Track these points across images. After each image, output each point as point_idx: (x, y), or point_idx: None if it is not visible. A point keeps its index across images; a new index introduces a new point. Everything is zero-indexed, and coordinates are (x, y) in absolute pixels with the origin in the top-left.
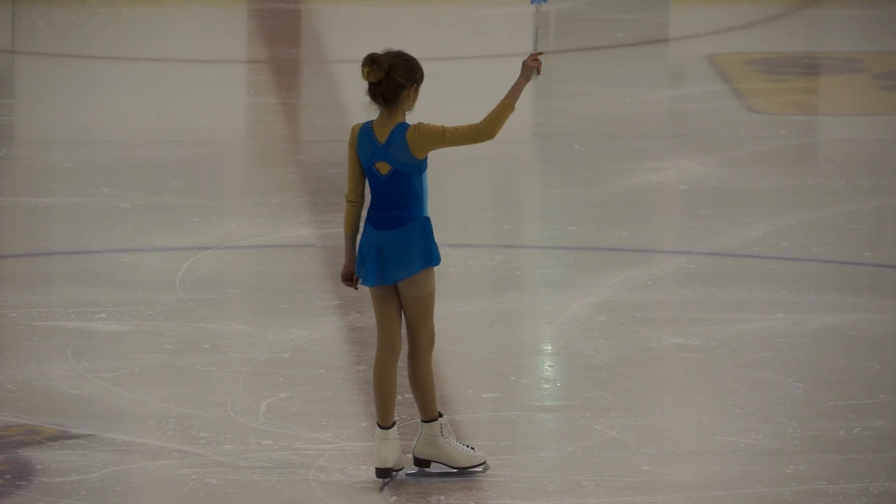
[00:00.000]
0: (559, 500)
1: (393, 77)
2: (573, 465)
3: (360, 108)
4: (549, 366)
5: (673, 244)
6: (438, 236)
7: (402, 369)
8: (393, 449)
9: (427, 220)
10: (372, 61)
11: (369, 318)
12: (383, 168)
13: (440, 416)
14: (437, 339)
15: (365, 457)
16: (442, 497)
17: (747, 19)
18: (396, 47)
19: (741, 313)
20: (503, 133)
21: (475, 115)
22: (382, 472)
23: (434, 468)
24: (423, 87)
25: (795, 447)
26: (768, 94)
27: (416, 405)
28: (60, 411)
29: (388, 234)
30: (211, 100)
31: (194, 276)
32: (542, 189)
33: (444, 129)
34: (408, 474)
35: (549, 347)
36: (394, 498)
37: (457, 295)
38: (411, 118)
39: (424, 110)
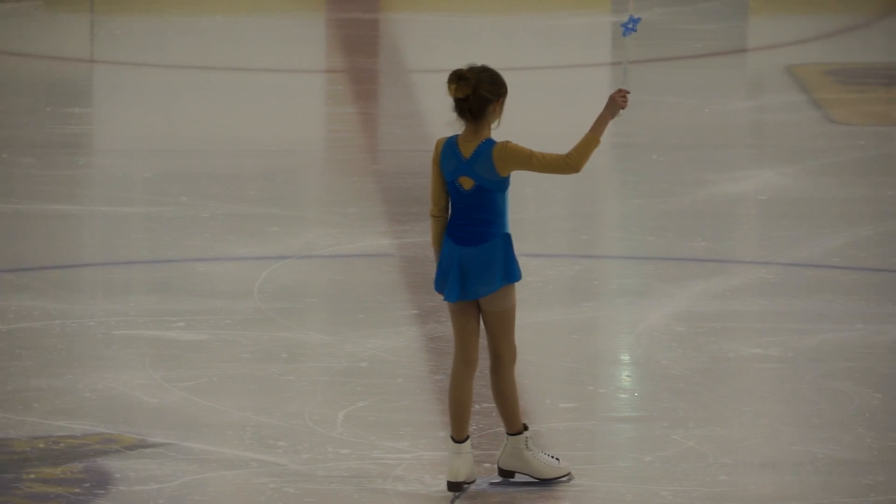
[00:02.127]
0: None
1: (480, 92)
2: (651, 476)
3: (446, 123)
4: (627, 376)
5: (752, 254)
6: (518, 246)
7: (479, 381)
8: (465, 463)
9: (508, 237)
10: (459, 77)
11: (447, 328)
12: (467, 183)
13: (525, 428)
14: (519, 346)
15: (443, 466)
16: None
17: (826, 29)
18: (476, 59)
19: (820, 324)
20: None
21: (551, 126)
22: (454, 486)
23: (518, 478)
24: None
25: (874, 458)
26: (847, 105)
27: (497, 416)
28: (138, 420)
29: (471, 251)
30: (289, 109)
31: (272, 285)
32: (621, 199)
33: (531, 154)
34: (491, 484)
35: (627, 357)
36: None
37: (535, 305)
38: (496, 133)
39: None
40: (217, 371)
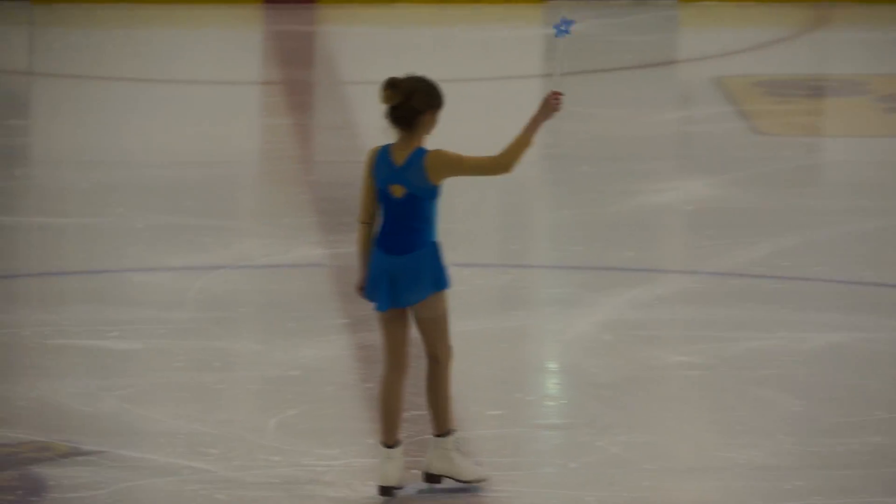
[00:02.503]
0: None
1: (411, 103)
2: (576, 482)
3: (380, 130)
4: (555, 383)
5: (677, 264)
6: (448, 256)
7: (409, 388)
8: (395, 468)
9: (437, 245)
10: (391, 85)
11: (377, 337)
12: (398, 191)
13: (454, 431)
14: None
15: (372, 473)
16: None
17: (754, 42)
18: (411, 70)
19: (743, 332)
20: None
21: (485, 136)
22: (385, 491)
23: (445, 484)
24: None
25: (794, 463)
26: (774, 116)
27: (429, 420)
28: (72, 428)
29: (401, 259)
30: (225, 121)
31: (206, 295)
32: (550, 210)
33: (461, 158)
34: (419, 491)
35: (555, 365)
36: None
37: (465, 314)
38: (428, 143)
39: (435, 131)
40: (150, 379)
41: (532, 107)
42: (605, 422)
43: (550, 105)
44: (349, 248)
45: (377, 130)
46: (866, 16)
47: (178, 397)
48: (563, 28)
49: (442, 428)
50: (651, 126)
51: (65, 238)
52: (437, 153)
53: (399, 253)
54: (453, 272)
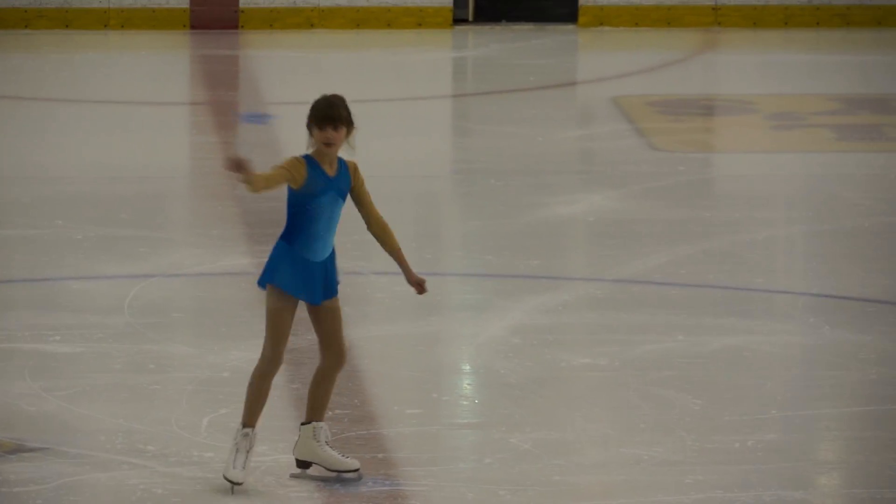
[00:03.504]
0: None
1: None
2: (490, 477)
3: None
4: (468, 384)
5: (581, 272)
6: (366, 265)
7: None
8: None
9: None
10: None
11: (301, 341)
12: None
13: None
14: (364, 359)
15: (294, 468)
16: None
17: (648, 64)
18: (329, 91)
19: (644, 335)
20: (427, 169)
21: (396, 152)
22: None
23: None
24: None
25: (694, 458)
26: (668, 134)
27: (307, 407)
28: (18, 426)
29: (331, 258)
30: (156, 139)
31: (141, 301)
32: (462, 221)
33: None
34: (291, 475)
35: (468, 367)
36: None
37: (383, 319)
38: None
39: (343, 149)
40: (90, 381)
41: (438, 123)
42: (516, 420)
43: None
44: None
45: (298, 148)
46: (752, 40)
47: (117, 398)
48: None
49: (316, 416)
50: (554, 143)
51: (8, 248)
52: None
53: (330, 253)
54: (372, 281)
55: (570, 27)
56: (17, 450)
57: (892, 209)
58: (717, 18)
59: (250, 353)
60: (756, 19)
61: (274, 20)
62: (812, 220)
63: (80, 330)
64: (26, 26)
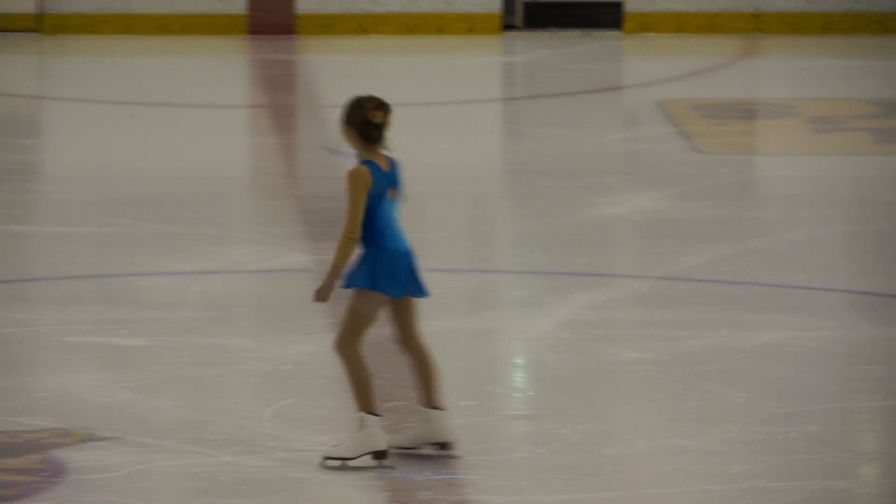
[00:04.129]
0: (531, 497)
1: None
2: (543, 466)
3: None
4: (521, 377)
5: (628, 269)
6: (422, 263)
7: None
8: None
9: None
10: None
11: (368, 336)
12: (394, 194)
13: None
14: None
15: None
16: (427, 493)
17: (691, 69)
18: (384, 95)
19: (689, 331)
20: (479, 170)
21: (449, 154)
22: (381, 454)
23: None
24: (403, 129)
25: (739, 449)
26: (711, 136)
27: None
28: (89, 416)
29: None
30: (217, 141)
31: (205, 297)
32: (513, 220)
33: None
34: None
35: (521, 361)
36: (385, 493)
37: (439, 314)
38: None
39: (403, 150)
40: (157, 373)
41: (489, 126)
42: (567, 411)
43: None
44: (332, 255)
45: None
46: (792, 46)
47: (183, 389)
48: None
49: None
50: (601, 145)
51: (77, 245)
52: (350, 171)
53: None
54: (428, 277)
55: (616, 33)
56: (88, 439)
57: None
58: (758, 25)
59: (311, 346)
60: (796, 26)
61: (330, 26)
62: (850, 221)
63: (146, 324)
64: (91, 31)
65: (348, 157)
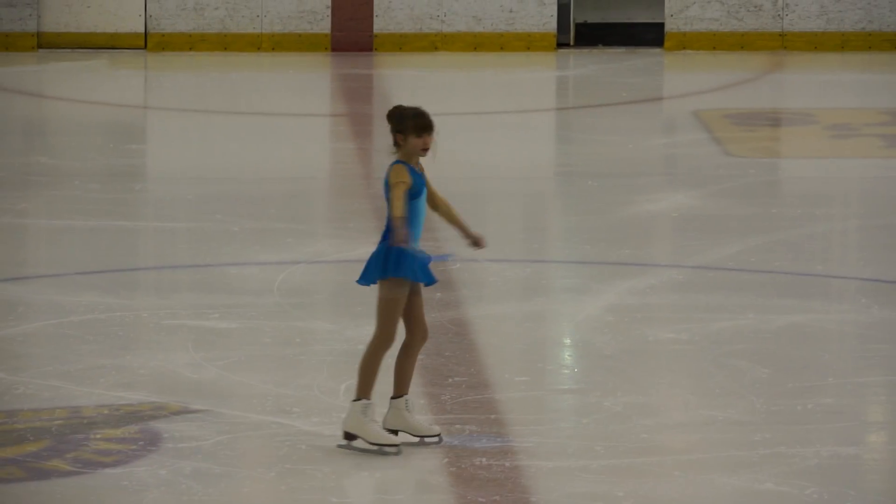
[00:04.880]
0: (576, 462)
1: (389, 125)
2: (587, 434)
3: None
4: (569, 355)
5: (666, 259)
6: (481, 254)
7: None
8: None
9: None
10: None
11: (427, 318)
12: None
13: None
14: (480, 334)
15: (422, 427)
16: (483, 459)
17: (724, 82)
18: (450, 106)
19: (720, 314)
20: (533, 172)
21: (508, 157)
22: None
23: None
24: (467, 135)
25: (762, 419)
26: (741, 142)
27: (397, 382)
28: (182, 391)
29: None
30: (301, 145)
31: (288, 284)
32: (563, 216)
33: (393, 185)
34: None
35: (568, 341)
36: (445, 459)
37: (495, 300)
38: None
39: (467, 154)
40: (244, 352)
41: (545, 133)
42: (610, 386)
43: (399, 237)
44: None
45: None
46: (813, 61)
47: (267, 367)
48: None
49: (357, 394)
50: (642, 150)
51: (175, 238)
52: (390, 170)
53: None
54: (485, 267)
55: (657, 50)
56: (181, 411)
57: None
58: (784, 43)
59: None
60: (817, 44)
61: (403, 44)
62: (864, 216)
63: (235, 309)
64: (191, 48)
65: (448, 259)
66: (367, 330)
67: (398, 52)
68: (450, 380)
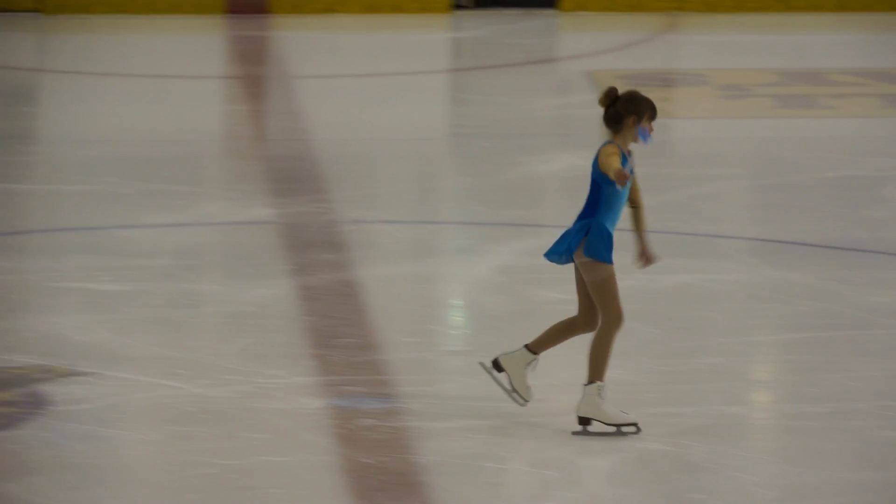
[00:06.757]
0: (463, 422)
1: (615, 107)
2: (475, 395)
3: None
4: (458, 317)
5: (556, 220)
6: (371, 215)
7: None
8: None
9: (599, 223)
10: (606, 94)
11: (317, 281)
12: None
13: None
14: (370, 295)
15: (311, 388)
16: (370, 420)
17: (619, 43)
18: (344, 68)
19: None
20: (427, 133)
21: (401, 119)
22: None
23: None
24: (361, 97)
25: (650, 379)
26: None
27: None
28: (70, 354)
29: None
30: (194, 107)
31: (179, 246)
32: (456, 177)
33: (603, 155)
34: (573, 433)
35: (458, 302)
36: (332, 420)
37: (386, 261)
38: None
39: (360, 117)
40: (134, 315)
41: (440, 95)
42: (500, 347)
43: (618, 179)
44: (294, 209)
45: (319, 116)
46: (707, 22)
47: (157, 329)
48: (646, 137)
49: (589, 377)
50: (536, 111)
51: (65, 201)
52: (603, 148)
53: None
54: (377, 228)
55: (553, 11)
56: (69, 374)
57: (822, 166)
58: (679, 4)
59: (271, 290)
60: (711, 5)
61: (299, 5)
62: (754, 176)
63: (125, 271)
64: (86, 11)
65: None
66: (257, 292)
67: (294, 14)
68: (339, 341)
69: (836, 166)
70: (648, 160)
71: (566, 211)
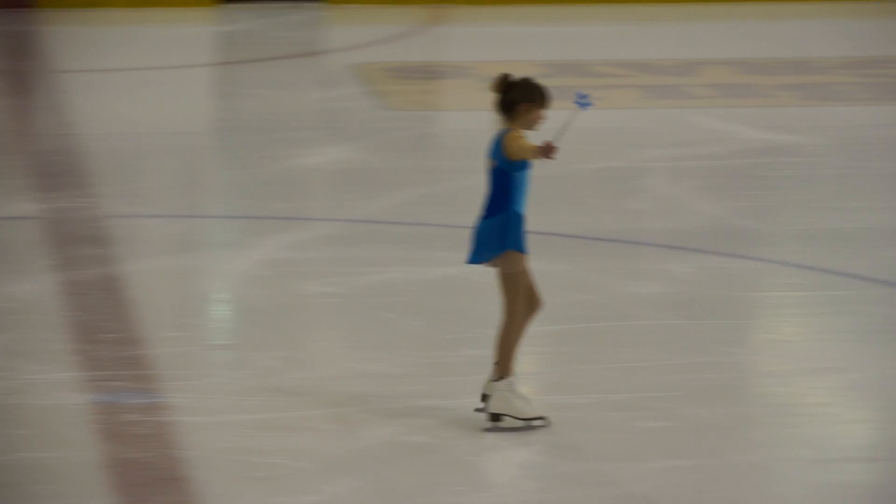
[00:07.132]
0: (229, 416)
1: (510, 95)
2: (240, 389)
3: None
4: (222, 311)
5: (320, 213)
6: (135, 209)
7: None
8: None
9: (515, 213)
10: (500, 80)
11: (81, 276)
12: (490, 163)
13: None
14: (133, 289)
15: (74, 384)
16: (133, 415)
17: (384, 36)
18: (113, 61)
19: (372, 267)
20: (190, 127)
21: (162, 112)
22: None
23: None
24: (125, 93)
25: (414, 371)
26: (398, 95)
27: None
28: None
29: (484, 222)
30: None
31: None
32: (220, 171)
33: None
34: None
35: (222, 296)
36: (94, 416)
37: (149, 255)
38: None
39: (123, 112)
40: None
41: (204, 89)
42: (264, 340)
43: (544, 152)
44: (59, 204)
45: (84, 111)
46: (470, 15)
47: None
48: (584, 102)
49: (499, 373)
50: (302, 103)
51: None
52: (506, 135)
53: (485, 217)
54: (139, 223)
55: (318, 4)
56: None
57: (585, 158)
58: None
59: (35, 286)
60: None
61: (66, 0)
62: None
63: None
64: None
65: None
66: (18, 287)
67: (59, 7)
68: (102, 336)
69: (598, 157)
70: (412, 152)
71: (329, 203)
